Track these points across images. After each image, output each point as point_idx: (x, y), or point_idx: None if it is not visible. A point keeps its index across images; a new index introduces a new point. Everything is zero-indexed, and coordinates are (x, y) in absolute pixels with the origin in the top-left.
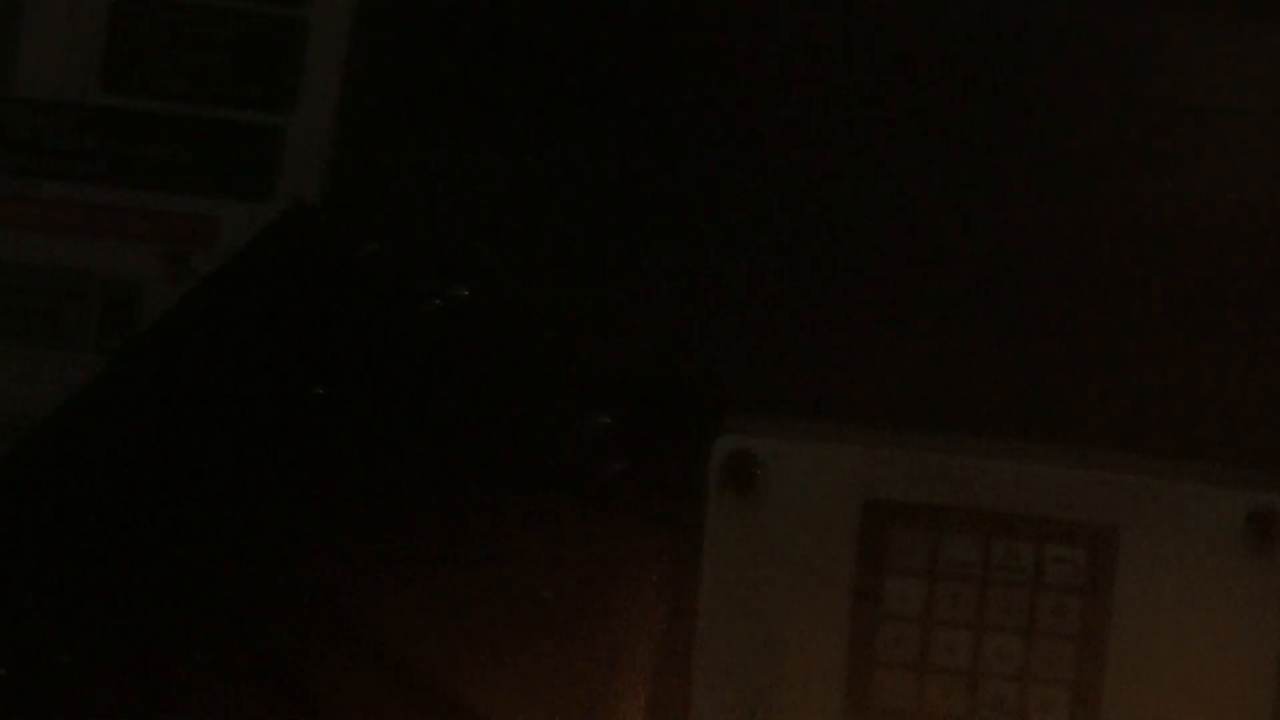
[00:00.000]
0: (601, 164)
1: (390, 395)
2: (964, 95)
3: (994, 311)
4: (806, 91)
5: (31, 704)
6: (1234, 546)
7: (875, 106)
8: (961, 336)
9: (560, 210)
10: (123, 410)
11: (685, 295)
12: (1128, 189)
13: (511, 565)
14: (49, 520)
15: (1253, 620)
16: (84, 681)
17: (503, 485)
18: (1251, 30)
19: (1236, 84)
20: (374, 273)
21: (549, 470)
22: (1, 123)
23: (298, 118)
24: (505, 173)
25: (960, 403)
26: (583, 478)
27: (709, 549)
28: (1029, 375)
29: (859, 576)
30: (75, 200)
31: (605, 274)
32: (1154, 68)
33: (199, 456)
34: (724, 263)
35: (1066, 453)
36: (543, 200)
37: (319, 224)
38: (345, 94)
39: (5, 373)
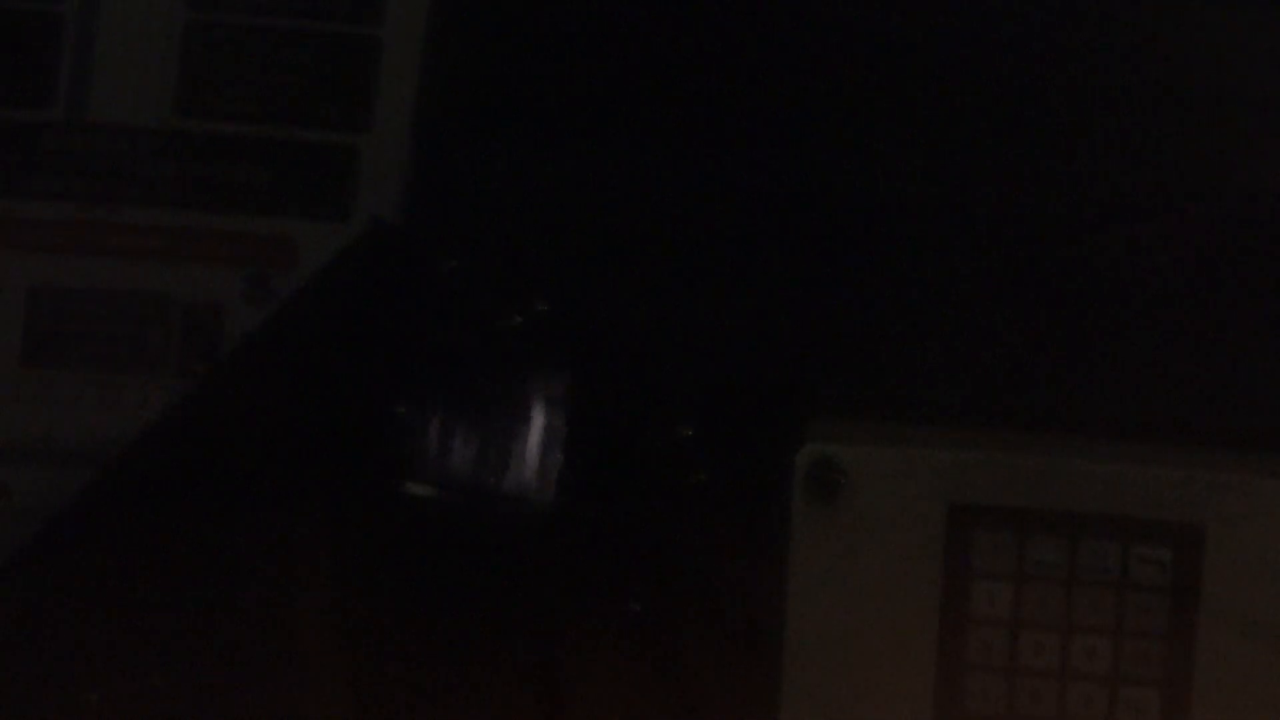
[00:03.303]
0: (681, 174)
1: (473, 411)
2: (1031, 97)
3: (1074, 311)
4: (881, 96)
5: None
6: None
7: (933, 109)
8: (1041, 337)
9: (639, 222)
10: (207, 433)
11: (766, 304)
12: (1203, 186)
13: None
14: (132, 546)
15: None
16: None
17: (587, 498)
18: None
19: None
20: (454, 289)
21: (634, 482)
22: (78, 149)
23: (373, 136)
24: (583, 186)
25: (1042, 403)
26: (667, 488)
27: (795, 557)
28: (1112, 374)
29: (945, 580)
30: (154, 225)
31: (685, 284)
32: (1186, 57)
33: (284, 478)
34: (804, 271)
35: (1151, 451)
36: (622, 212)
37: (397, 242)
38: (420, 111)
39: (89, 398)
